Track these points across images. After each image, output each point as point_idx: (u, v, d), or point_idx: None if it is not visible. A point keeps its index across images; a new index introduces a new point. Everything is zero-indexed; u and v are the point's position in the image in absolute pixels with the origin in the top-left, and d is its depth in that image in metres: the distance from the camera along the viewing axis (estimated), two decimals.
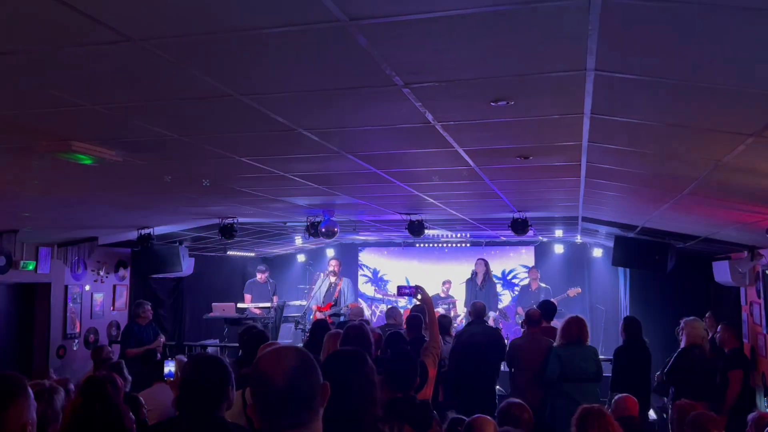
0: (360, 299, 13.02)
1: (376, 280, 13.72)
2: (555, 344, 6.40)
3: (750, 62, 2.01)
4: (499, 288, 11.82)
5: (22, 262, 7.83)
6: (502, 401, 4.43)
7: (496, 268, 12.68)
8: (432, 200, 6.49)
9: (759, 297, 7.00)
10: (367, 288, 13.65)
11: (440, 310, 10.36)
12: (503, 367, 7.14)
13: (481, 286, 10.46)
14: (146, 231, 8.10)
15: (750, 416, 4.50)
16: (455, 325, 10.37)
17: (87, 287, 9.08)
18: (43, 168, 4.19)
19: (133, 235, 8.27)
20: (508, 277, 13.10)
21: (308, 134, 3.44)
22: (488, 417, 3.64)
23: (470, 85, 2.56)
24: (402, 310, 10.89)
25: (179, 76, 2.44)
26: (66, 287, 8.68)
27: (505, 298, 12.51)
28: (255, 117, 3.05)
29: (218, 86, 2.58)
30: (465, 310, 10.58)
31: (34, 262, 8.05)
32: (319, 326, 6.19)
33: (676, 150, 3.46)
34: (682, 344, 6.46)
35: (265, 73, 2.47)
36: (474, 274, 10.63)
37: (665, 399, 7.17)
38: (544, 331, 7.02)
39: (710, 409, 5.32)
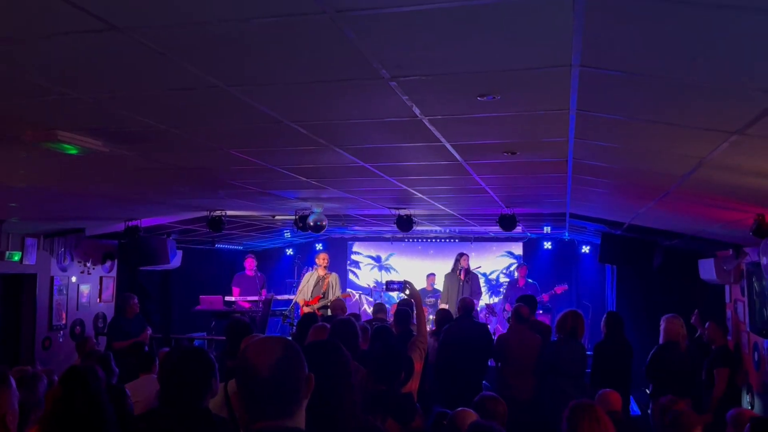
0: (350, 290, 13.05)
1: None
2: (554, 338, 6.48)
3: (734, 59, 2.03)
4: (481, 281, 11.95)
5: (7, 253, 7.78)
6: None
7: (485, 265, 12.78)
8: (420, 195, 6.51)
9: (743, 295, 7.07)
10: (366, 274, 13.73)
11: (428, 303, 10.39)
12: (490, 362, 7.19)
13: (465, 279, 10.49)
14: (133, 223, 8.06)
15: (729, 413, 4.54)
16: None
17: (73, 279, 9.03)
18: (29, 158, 4.16)
19: (120, 226, 8.22)
20: (490, 276, 13.18)
21: (296, 126, 3.44)
22: (471, 410, 3.66)
23: (457, 79, 2.57)
24: (393, 305, 10.93)
25: (166, 66, 2.43)
26: (52, 278, 8.63)
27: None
28: (242, 108, 3.04)
29: (205, 77, 2.58)
30: (445, 305, 10.60)
31: (20, 253, 7.99)
32: (308, 320, 6.20)
33: (661, 147, 3.48)
34: (661, 341, 6.52)
35: (252, 64, 2.46)
36: (460, 269, 10.65)
37: (648, 393, 7.23)
38: (533, 326, 7.07)
39: (692, 407, 5.37)
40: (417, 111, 3.08)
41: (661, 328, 6.43)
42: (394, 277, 13.52)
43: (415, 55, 2.31)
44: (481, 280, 11.73)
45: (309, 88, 2.75)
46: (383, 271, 13.93)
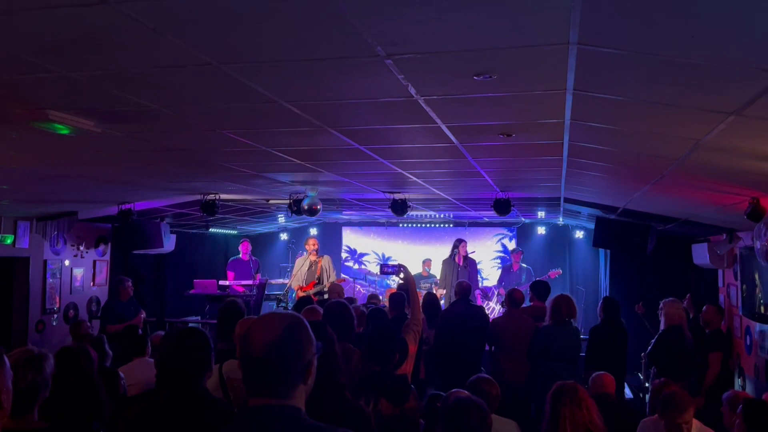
0: (343, 275, 13.05)
1: (356, 259, 13.83)
2: (544, 323, 6.49)
3: (733, 37, 2.01)
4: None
5: None
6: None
7: (479, 247, 12.82)
8: (415, 178, 6.48)
9: (736, 279, 7.10)
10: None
11: (423, 288, 10.40)
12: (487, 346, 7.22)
13: (463, 265, 10.51)
14: (127, 206, 8.01)
15: (725, 395, 4.58)
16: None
17: (66, 262, 8.99)
18: (20, 139, 4.11)
19: (113, 210, 8.18)
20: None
21: (290, 107, 3.40)
22: (465, 391, 3.67)
23: (453, 57, 2.54)
24: (387, 289, 10.94)
25: (157, 42, 2.39)
26: (45, 262, 8.59)
27: (491, 278, 12.59)
28: (235, 88, 3.00)
29: (197, 54, 2.54)
30: (443, 290, 10.63)
31: (13, 236, 7.95)
32: (303, 303, 6.19)
33: (658, 129, 3.47)
34: (662, 326, 6.55)
35: (245, 41, 2.42)
36: (456, 253, 10.67)
37: (641, 377, 7.28)
38: (529, 310, 7.10)
39: (689, 389, 5.41)
40: (413, 91, 3.04)
41: (662, 312, 6.46)
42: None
43: (411, 32, 2.27)
44: (480, 265, 11.77)
45: (303, 67, 2.72)
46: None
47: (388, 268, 6.47)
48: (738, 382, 7.20)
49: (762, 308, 6.16)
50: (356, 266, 13.69)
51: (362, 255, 13.79)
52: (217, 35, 2.36)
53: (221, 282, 10.35)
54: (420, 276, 11.19)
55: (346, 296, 8.75)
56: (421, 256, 12.01)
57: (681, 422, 3.89)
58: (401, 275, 5.46)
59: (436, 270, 11.42)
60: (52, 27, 2.26)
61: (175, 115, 3.61)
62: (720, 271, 8.00)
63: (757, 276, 6.30)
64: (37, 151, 4.67)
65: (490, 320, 7.26)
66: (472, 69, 2.67)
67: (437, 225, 13.23)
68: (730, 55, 2.16)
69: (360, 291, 12.41)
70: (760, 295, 6.23)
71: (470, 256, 10.95)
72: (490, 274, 12.72)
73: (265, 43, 2.42)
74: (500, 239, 13.22)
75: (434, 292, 10.50)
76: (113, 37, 2.36)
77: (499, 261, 13.04)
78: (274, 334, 1.70)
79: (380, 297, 8.62)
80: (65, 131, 3.69)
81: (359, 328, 5.20)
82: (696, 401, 4.42)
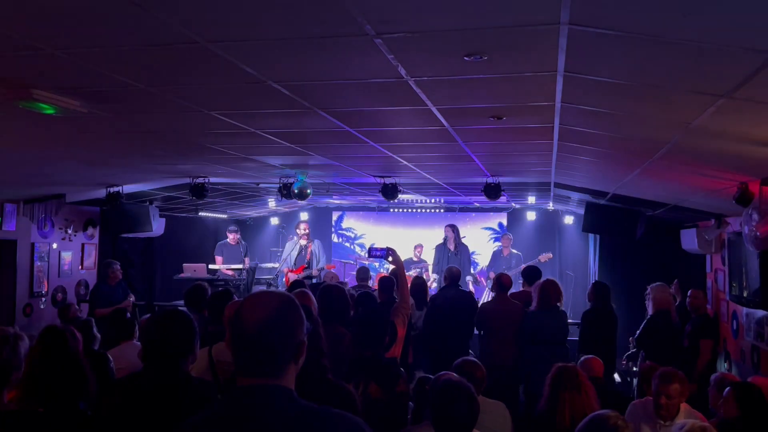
0: (335, 259, 13.06)
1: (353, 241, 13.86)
2: (532, 307, 6.52)
3: (726, 16, 1.99)
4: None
5: None
6: None
7: (469, 234, 12.83)
8: (405, 162, 6.46)
9: (723, 264, 7.14)
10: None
11: (412, 273, 10.41)
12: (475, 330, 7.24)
13: (455, 251, 10.52)
14: (115, 189, 7.94)
15: (712, 377, 4.62)
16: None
17: (54, 245, 8.92)
18: (5, 119, 4.05)
19: (101, 193, 8.10)
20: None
21: (278, 87, 3.36)
22: (453, 374, 3.68)
23: (443, 36, 2.51)
24: (376, 274, 10.94)
25: (144, 19, 2.35)
26: (33, 245, 8.51)
27: (481, 260, 12.63)
28: (223, 67, 2.96)
29: (184, 32, 2.50)
30: (435, 275, 10.65)
31: None
32: (297, 287, 6.17)
33: (648, 112, 3.46)
34: (650, 310, 6.58)
35: (233, 19, 2.38)
36: (445, 239, 10.69)
37: (630, 363, 7.33)
38: (520, 295, 7.12)
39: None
40: (403, 71, 3.01)
41: (650, 297, 6.49)
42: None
43: (401, 10, 2.24)
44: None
45: (292, 46, 2.68)
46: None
47: (376, 252, 6.45)
48: (724, 366, 7.27)
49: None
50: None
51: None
52: (204, 12, 2.32)
53: (211, 266, 10.32)
54: (411, 261, 11.19)
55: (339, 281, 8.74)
56: (412, 240, 12.02)
57: (670, 393, 3.93)
58: (389, 258, 5.45)
59: (426, 255, 11.44)
60: (36, 2, 2.21)
61: (162, 95, 3.57)
62: (708, 257, 8.05)
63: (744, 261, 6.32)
64: (22, 132, 4.61)
65: (479, 305, 7.29)
66: (463, 49, 2.65)
67: (428, 210, 13.23)
68: (723, 35, 2.14)
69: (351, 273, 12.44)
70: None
71: (463, 241, 10.97)
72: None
73: (253, 20, 2.38)
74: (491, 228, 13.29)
75: (424, 276, 10.53)
76: (97, 12, 2.31)
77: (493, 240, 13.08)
78: (268, 311, 1.66)
79: (370, 273, 8.61)
80: (50, 111, 3.64)
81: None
82: (689, 388, 4.43)
